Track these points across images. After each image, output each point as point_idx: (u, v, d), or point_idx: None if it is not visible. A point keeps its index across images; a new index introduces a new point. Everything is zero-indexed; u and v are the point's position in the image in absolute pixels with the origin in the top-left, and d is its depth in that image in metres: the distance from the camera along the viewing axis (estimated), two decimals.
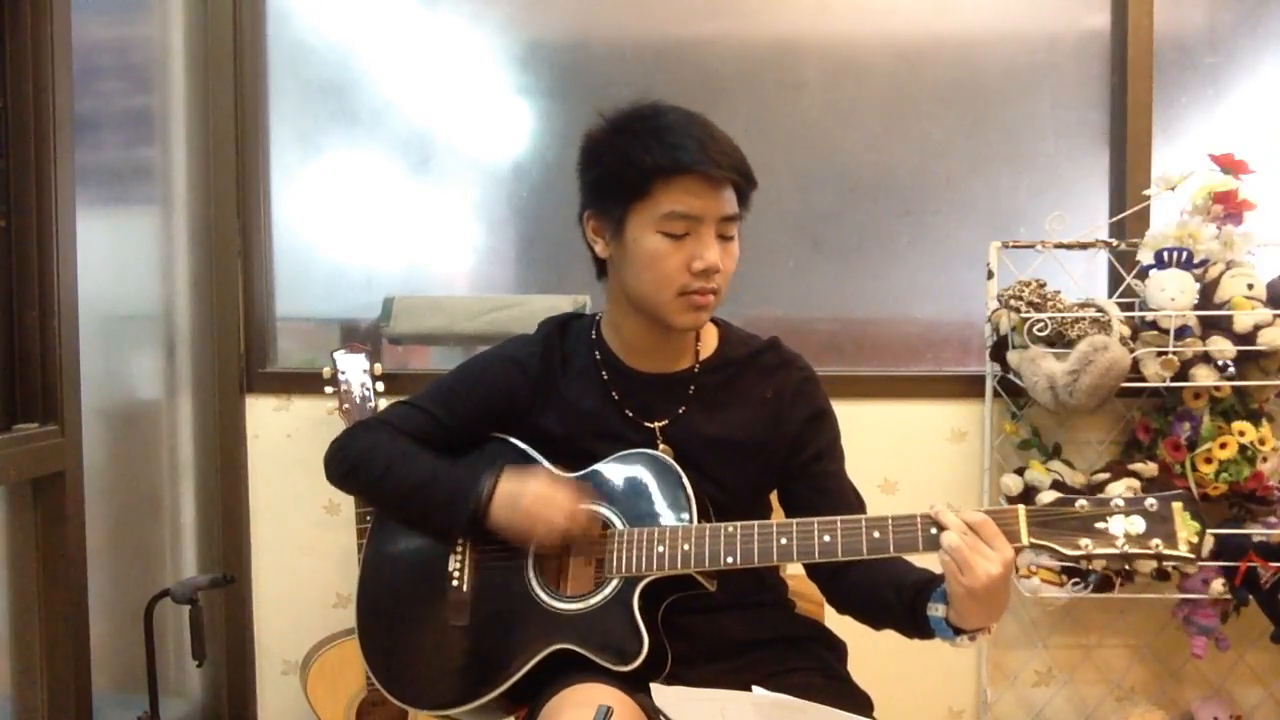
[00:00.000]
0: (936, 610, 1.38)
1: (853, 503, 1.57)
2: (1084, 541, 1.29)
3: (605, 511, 1.50)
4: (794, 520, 1.42)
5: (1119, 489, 2.21)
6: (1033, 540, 1.31)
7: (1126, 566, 1.30)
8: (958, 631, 1.37)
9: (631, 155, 1.44)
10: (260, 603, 2.58)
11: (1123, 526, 1.29)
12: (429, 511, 1.54)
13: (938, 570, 1.38)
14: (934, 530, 1.34)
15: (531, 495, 1.47)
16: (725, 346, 1.61)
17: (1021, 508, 1.33)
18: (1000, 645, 2.51)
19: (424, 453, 1.58)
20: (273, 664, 2.59)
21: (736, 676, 1.45)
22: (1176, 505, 1.29)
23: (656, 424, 1.55)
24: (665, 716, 1.28)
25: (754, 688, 1.29)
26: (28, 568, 1.87)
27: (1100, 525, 1.30)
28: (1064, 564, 2.09)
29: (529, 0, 2.61)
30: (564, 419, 1.57)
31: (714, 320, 1.64)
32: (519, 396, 1.59)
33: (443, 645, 1.52)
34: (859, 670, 1.61)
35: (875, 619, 1.53)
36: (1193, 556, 1.28)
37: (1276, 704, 2.48)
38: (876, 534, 1.37)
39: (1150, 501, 1.30)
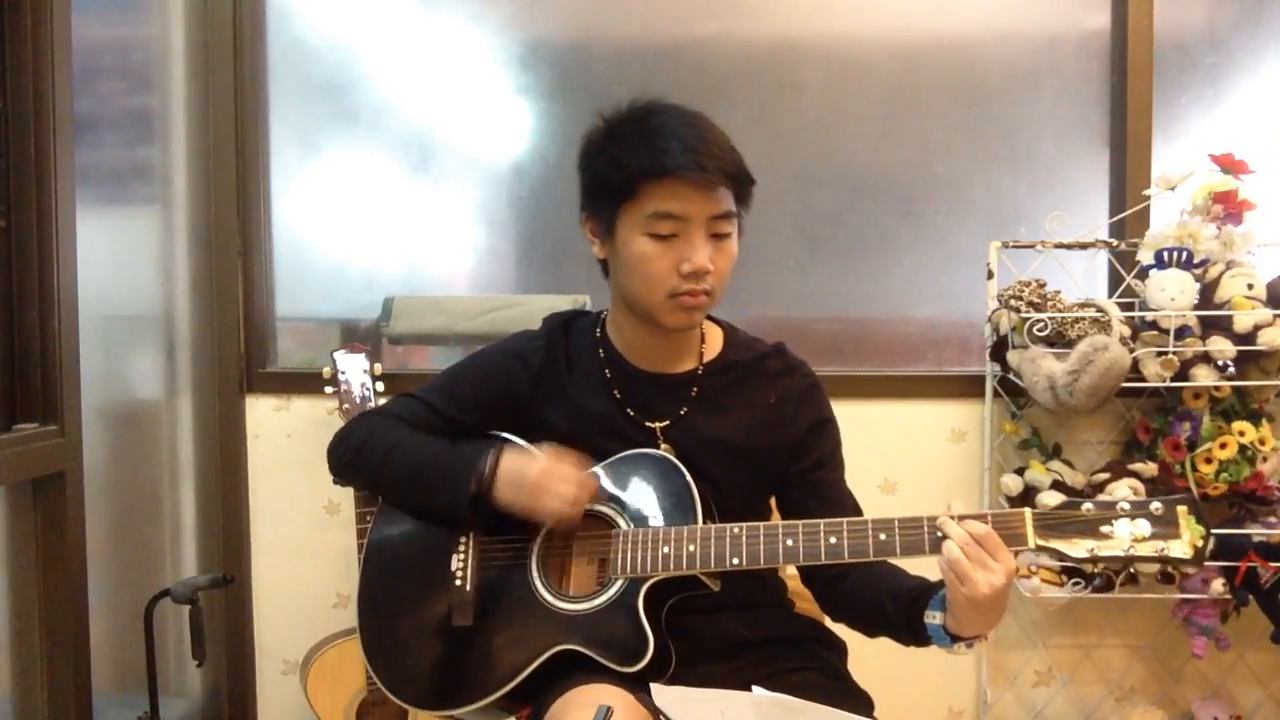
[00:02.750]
0: (934, 618, 1.38)
1: (850, 511, 1.57)
2: (1089, 544, 1.30)
3: (609, 511, 1.50)
4: (800, 522, 1.42)
5: (1120, 488, 2.22)
6: (1039, 543, 1.32)
7: (1131, 569, 1.32)
8: (955, 639, 1.37)
9: (620, 158, 1.44)
10: (260, 603, 2.58)
11: (1128, 529, 1.30)
12: (431, 492, 1.53)
13: (936, 577, 1.38)
14: (940, 535, 1.34)
15: (538, 469, 1.46)
16: (729, 350, 1.60)
17: (1028, 511, 1.34)
18: (1000, 645, 2.51)
19: (425, 436, 1.58)
20: (273, 664, 2.59)
21: (737, 676, 1.45)
22: (1181, 509, 1.30)
23: (657, 424, 1.55)
24: (665, 716, 1.28)
25: (754, 688, 1.29)
26: (28, 568, 1.87)
27: (1105, 529, 1.31)
28: (1067, 565, 2.09)
29: (529, 0, 2.61)
30: (568, 416, 1.57)
31: (719, 323, 1.64)
32: (520, 389, 1.59)
33: (446, 645, 1.52)
34: (859, 670, 1.61)
35: (870, 626, 1.53)
36: (1197, 560, 1.29)
37: (1276, 704, 2.48)
38: (883, 536, 1.37)
39: (1155, 505, 1.30)
